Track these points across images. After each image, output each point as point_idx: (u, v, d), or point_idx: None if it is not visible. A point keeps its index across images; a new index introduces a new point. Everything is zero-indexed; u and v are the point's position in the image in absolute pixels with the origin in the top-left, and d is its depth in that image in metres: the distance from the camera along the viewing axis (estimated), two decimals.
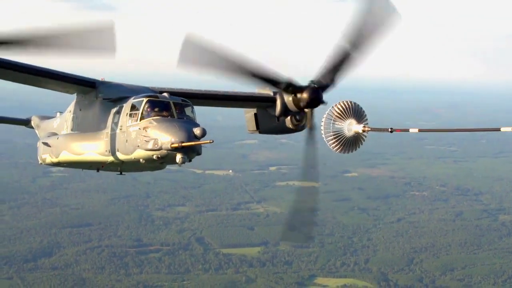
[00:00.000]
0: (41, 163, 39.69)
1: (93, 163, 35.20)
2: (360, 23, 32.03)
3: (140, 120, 30.78)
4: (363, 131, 33.13)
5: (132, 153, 31.26)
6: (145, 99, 31.22)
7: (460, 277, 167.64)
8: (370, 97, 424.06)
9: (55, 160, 37.43)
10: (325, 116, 33.36)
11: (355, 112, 33.26)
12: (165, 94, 31.98)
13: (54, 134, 39.06)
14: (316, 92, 33.45)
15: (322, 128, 33.30)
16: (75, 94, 36.52)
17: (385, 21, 32.17)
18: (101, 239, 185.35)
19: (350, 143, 33.35)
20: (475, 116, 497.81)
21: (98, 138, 33.73)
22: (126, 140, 31.46)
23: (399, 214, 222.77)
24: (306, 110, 34.06)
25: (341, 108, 33.09)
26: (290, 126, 35.74)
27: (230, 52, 30.62)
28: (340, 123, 33.18)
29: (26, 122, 47.11)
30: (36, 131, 45.44)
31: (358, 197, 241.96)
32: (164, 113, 30.72)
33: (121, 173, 36.46)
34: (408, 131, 33.09)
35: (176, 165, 30.58)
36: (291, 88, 33.51)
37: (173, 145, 29.16)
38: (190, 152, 29.75)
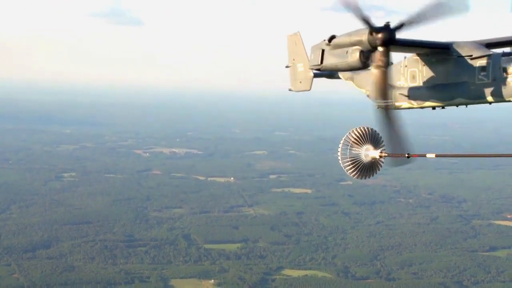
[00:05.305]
0: None
1: None
2: None
3: None
4: (380, 156, 33.35)
5: None
6: None
7: (415, 271, 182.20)
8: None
9: None
10: (342, 141, 33.53)
11: (372, 138, 33.48)
12: None
13: None
14: None
15: (339, 154, 33.34)
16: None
17: None
18: (96, 235, 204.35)
19: (367, 168, 33.48)
20: (491, 133, 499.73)
21: None
22: None
23: (379, 218, 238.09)
24: None
25: (358, 134, 33.35)
26: None
27: None
28: (357, 149, 33.30)
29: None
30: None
31: (345, 202, 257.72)
32: None
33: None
34: (425, 156, 33.45)
35: None
36: None
37: None
38: None
